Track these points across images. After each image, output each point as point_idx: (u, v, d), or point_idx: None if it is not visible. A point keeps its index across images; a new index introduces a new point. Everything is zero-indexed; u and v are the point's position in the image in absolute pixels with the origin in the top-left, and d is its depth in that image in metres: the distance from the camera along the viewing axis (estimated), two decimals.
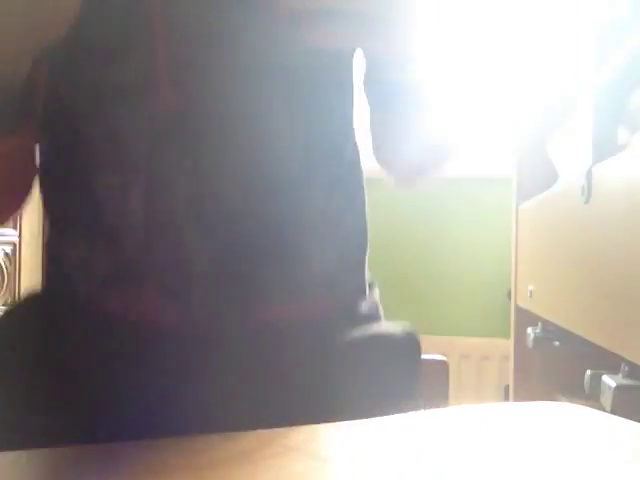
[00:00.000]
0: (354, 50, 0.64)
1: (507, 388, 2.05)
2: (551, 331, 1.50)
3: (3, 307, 1.57)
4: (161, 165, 0.57)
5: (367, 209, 0.69)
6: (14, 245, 1.59)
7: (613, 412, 0.86)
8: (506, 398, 2.09)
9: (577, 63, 1.24)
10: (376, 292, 0.71)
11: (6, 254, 1.56)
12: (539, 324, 1.56)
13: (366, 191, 0.69)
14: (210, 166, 0.57)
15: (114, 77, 0.57)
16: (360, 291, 0.67)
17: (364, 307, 0.67)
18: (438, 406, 0.74)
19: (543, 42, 1.83)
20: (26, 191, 0.63)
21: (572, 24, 1.67)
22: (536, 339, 1.56)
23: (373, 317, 0.68)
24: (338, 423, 0.51)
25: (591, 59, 1.08)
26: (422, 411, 0.55)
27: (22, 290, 1.62)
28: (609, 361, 0.95)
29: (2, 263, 1.54)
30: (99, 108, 0.58)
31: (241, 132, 0.59)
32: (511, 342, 1.90)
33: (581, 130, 1.29)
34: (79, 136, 0.59)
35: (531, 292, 1.56)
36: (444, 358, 0.97)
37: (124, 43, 0.57)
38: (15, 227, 1.59)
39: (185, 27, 0.57)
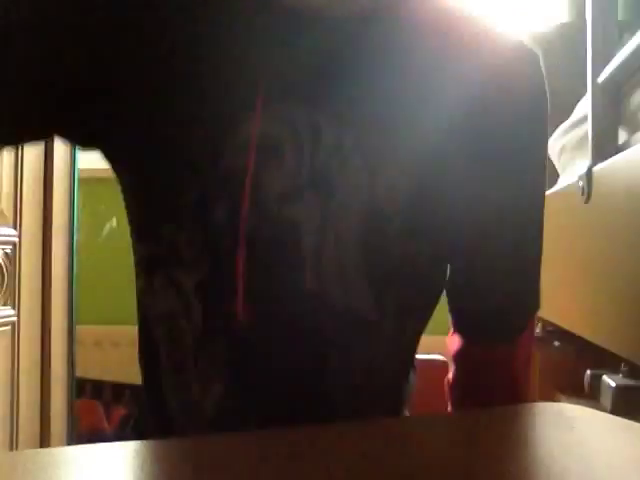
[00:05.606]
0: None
1: None
2: (551, 331, 1.50)
3: (3, 307, 1.56)
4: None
5: None
6: (14, 245, 1.58)
7: (613, 412, 0.86)
8: None
9: (577, 63, 1.24)
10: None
11: (6, 254, 1.56)
12: (539, 324, 1.56)
13: None
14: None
15: None
16: None
17: None
18: (438, 406, 0.74)
19: (543, 41, 1.83)
20: None
21: (572, 24, 1.67)
22: (536, 339, 1.56)
23: None
24: (338, 424, 0.51)
25: (591, 59, 1.08)
26: (422, 413, 0.55)
27: (22, 290, 1.62)
28: (609, 361, 0.95)
29: (2, 263, 1.54)
30: None
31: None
32: None
33: (581, 130, 1.29)
34: None
35: None
36: (444, 358, 0.96)
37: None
38: (15, 227, 1.59)
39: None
